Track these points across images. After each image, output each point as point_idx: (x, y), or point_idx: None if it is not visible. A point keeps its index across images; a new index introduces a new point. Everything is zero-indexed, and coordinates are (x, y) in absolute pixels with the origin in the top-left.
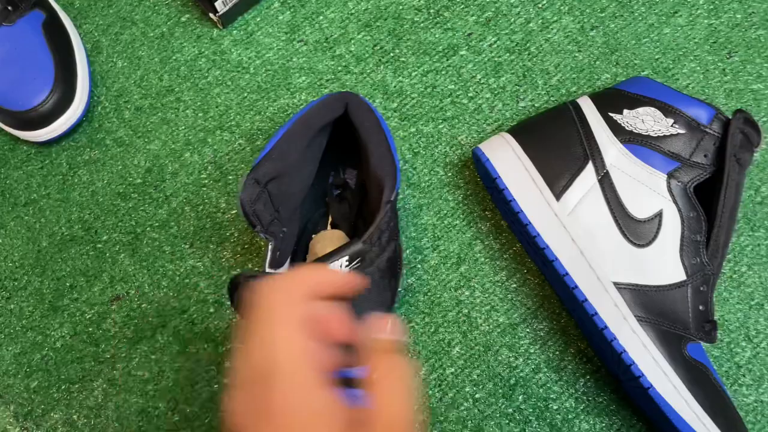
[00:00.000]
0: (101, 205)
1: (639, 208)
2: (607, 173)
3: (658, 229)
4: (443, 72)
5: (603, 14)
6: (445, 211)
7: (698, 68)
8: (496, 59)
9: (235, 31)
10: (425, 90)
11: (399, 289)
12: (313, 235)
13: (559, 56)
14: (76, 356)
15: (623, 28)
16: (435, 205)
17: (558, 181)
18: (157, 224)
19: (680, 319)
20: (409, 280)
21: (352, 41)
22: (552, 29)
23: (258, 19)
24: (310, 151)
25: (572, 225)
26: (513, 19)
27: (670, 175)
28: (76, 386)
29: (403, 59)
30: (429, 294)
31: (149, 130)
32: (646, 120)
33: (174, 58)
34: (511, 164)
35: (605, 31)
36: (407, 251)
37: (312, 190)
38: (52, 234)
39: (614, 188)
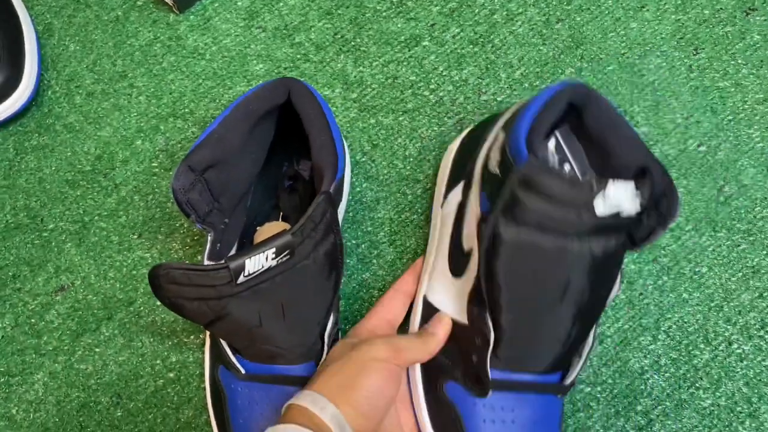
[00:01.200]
0: (48, 192)
1: (465, 238)
2: (468, 192)
3: (467, 266)
4: (405, 63)
5: (569, 7)
6: (403, 205)
7: (664, 64)
8: (459, 51)
9: (192, 17)
10: (386, 81)
11: (340, 285)
12: (258, 227)
13: (523, 49)
14: (16, 348)
15: (589, 21)
16: (392, 199)
17: (447, 188)
18: (105, 213)
19: (452, 356)
20: (364, 275)
21: (312, 29)
22: (517, 21)
23: (216, 5)
24: (253, 138)
25: (436, 233)
26: (477, 11)
27: (482, 217)
28: (16, 379)
29: (364, 49)
30: (384, 290)
31: (100, 116)
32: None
33: (128, 42)
34: (445, 162)
35: (571, 25)
36: (362, 245)
37: (262, 181)
38: None
39: (463, 212)
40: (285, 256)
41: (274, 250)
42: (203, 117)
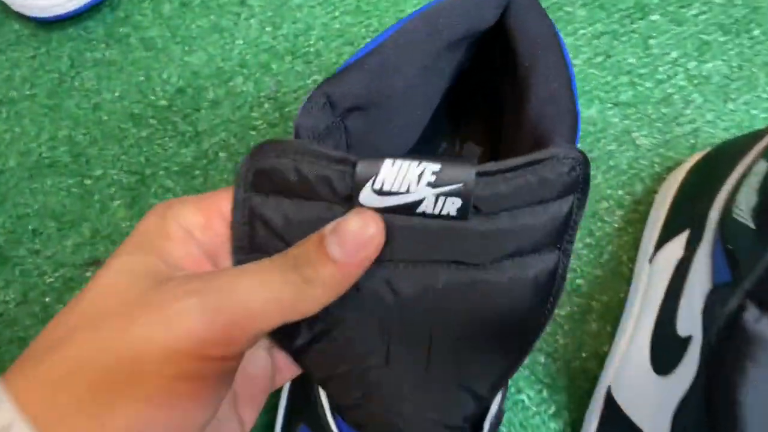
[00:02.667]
0: (104, 126)
1: (682, 319)
2: (694, 249)
3: (680, 361)
4: (624, 38)
5: None
6: (589, 242)
7: None
8: (701, 36)
9: None
10: (594, 58)
11: (542, 331)
12: None
13: None
14: (16, 334)
15: None
16: (584, 224)
17: (661, 236)
18: (175, 168)
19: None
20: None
21: None
22: None
23: None
24: (426, 81)
25: (636, 300)
26: None
27: (715, 292)
28: None
29: (569, 9)
30: (554, 357)
31: (193, 36)
32: None
33: None
34: (662, 196)
35: None
36: None
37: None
38: (27, 152)
39: (683, 278)
40: (461, 209)
41: (439, 178)
42: (332, 63)
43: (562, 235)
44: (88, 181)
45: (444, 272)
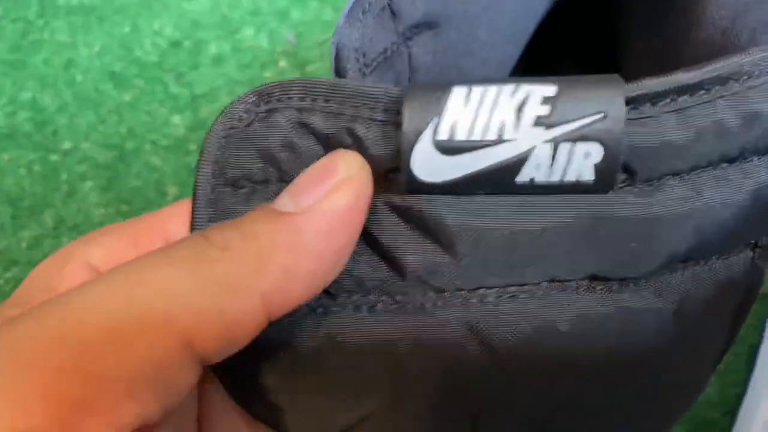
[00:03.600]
0: (77, 88)
1: None
2: None
3: None
4: None
5: None
6: None
7: None
8: None
9: None
10: None
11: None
12: None
13: None
14: None
15: None
16: None
17: None
18: (164, 142)
19: None
20: None
21: None
22: None
23: None
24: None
25: None
26: None
27: None
28: None
29: None
30: None
31: None
32: None
33: None
34: None
35: None
36: None
37: None
38: None
39: None
40: (603, 168)
41: (557, 110)
42: None
43: (765, 223)
44: (54, 157)
45: (572, 299)
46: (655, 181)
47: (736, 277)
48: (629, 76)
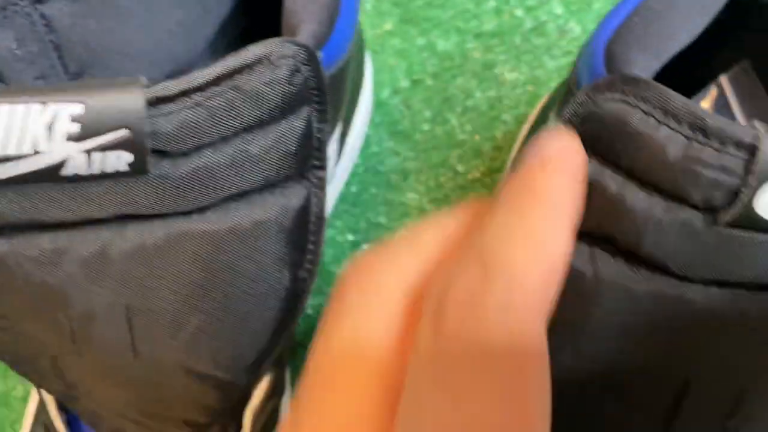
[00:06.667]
0: None
1: None
2: None
3: None
4: None
5: None
6: (448, 189)
7: None
8: None
9: None
10: None
11: (302, 305)
12: None
13: None
14: None
15: None
16: (431, 176)
17: None
18: None
19: None
20: None
21: None
22: None
23: None
24: None
25: None
26: None
27: None
28: None
29: None
30: None
31: None
32: None
33: None
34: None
35: None
36: (364, 242)
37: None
38: None
39: None
40: (134, 163)
41: (86, 126)
42: None
43: (304, 161)
44: None
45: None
46: (189, 152)
47: (290, 202)
48: None
